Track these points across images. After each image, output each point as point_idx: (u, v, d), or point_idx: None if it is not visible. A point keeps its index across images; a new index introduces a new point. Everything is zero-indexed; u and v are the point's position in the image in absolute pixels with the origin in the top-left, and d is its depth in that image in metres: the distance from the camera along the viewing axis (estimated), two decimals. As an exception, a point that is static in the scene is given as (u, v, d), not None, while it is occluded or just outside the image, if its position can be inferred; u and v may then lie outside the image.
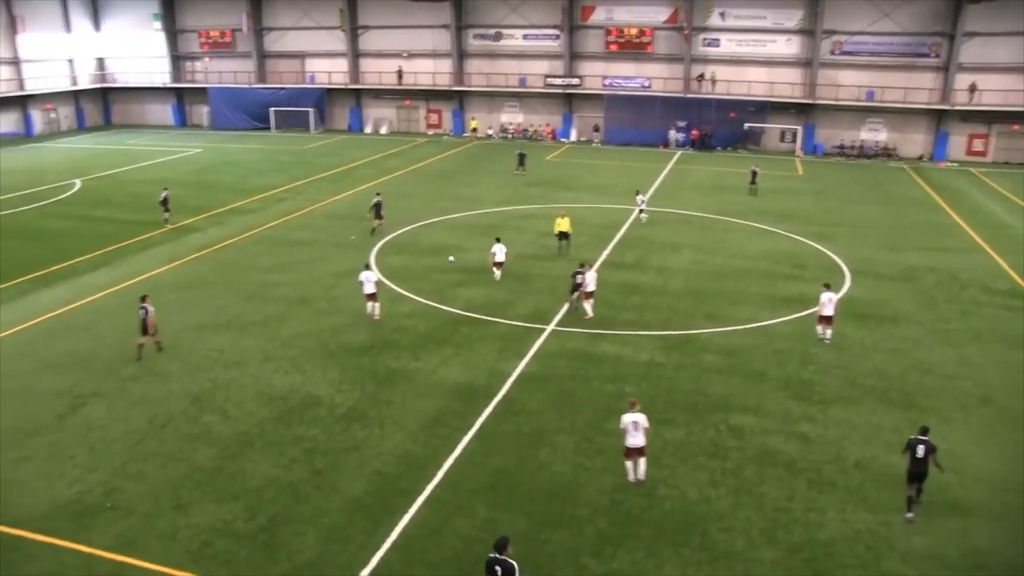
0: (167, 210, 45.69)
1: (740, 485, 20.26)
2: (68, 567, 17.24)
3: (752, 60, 74.49)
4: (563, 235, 38.55)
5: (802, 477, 20.70)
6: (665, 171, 62.34)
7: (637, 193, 48.06)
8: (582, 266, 32.35)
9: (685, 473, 20.74)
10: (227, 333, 29.86)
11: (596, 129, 78.55)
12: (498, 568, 14.30)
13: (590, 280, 31.08)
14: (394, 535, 18.16)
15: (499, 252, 35.48)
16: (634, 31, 76.54)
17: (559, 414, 23.76)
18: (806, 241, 42.35)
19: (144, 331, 27.48)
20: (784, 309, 32.31)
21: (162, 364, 27.15)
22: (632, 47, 77.10)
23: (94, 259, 38.80)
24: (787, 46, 73.45)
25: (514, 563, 14.36)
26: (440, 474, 20.60)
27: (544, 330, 30.02)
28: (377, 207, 42.97)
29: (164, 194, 46.03)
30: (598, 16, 77.50)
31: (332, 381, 25.90)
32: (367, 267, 33.52)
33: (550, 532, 18.32)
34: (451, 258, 37.51)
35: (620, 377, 26.04)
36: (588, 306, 31.00)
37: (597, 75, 78.38)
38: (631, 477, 20.24)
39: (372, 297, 31.07)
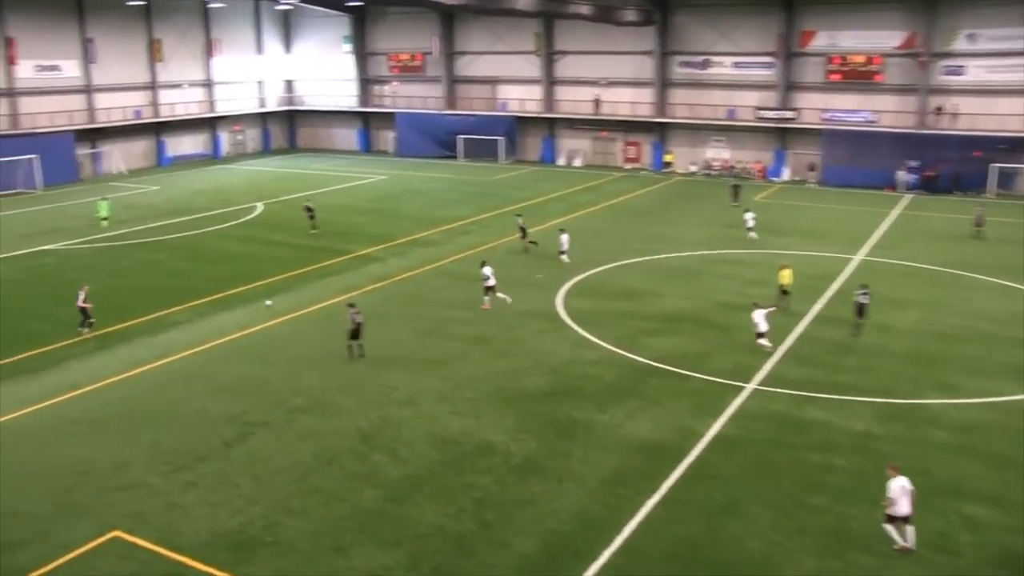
0: (312, 217, 52.37)
1: (966, 584, 18.99)
2: (227, 601, 18.02)
3: (1006, 89, 69.83)
4: (785, 290, 37.44)
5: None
6: (891, 217, 59.94)
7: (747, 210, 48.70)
8: (864, 287, 35.16)
9: (904, 567, 19.40)
10: (401, 369, 30.68)
11: (811, 168, 76.29)
12: None
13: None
14: (564, 601, 18.05)
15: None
16: (860, 59, 74.16)
17: (756, 483, 23.06)
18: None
19: (354, 336, 31.02)
20: (1027, 381, 30.38)
21: (332, 397, 28.16)
22: (857, 76, 74.73)
23: (272, 284, 40.77)
24: (1055, 72, 68.95)
25: None
26: (620, 539, 20.33)
27: (743, 388, 29.33)
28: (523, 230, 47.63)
29: (308, 205, 53.34)
30: (819, 42, 75.61)
31: (508, 428, 26.11)
32: (484, 264, 38.02)
33: (740, 614, 17.77)
34: (268, 302, 37.61)
35: (829, 447, 25.04)
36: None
37: (815, 108, 76.29)
38: (899, 544, 19.43)
39: (492, 289, 35.92)
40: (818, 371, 30.75)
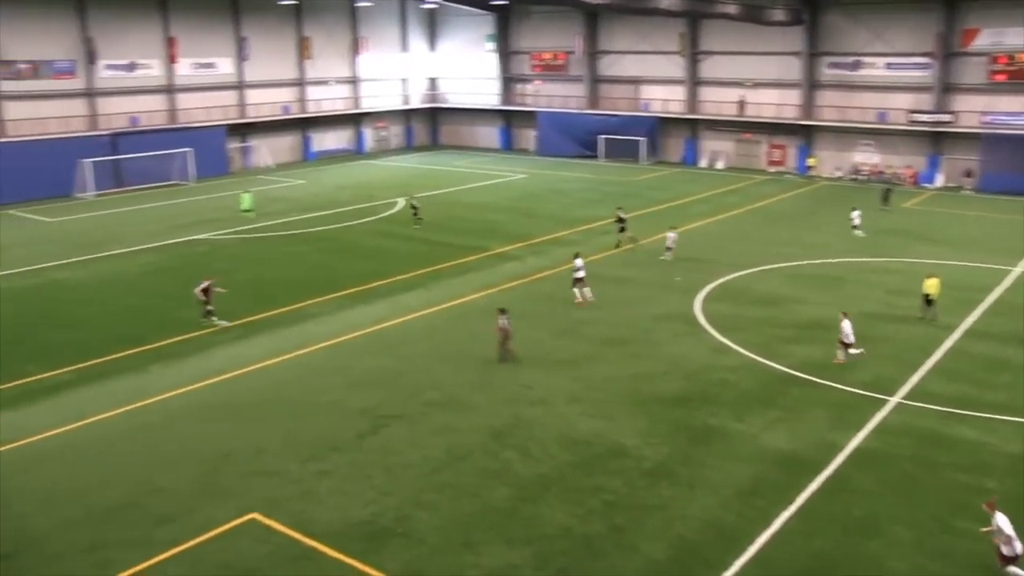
0: (416, 214, 53.37)
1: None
2: (357, 588, 18.41)
3: None
4: (929, 299, 36.14)
5: None
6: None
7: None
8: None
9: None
10: (535, 368, 30.79)
11: (968, 174, 73.25)
12: None
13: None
14: (694, 610, 17.82)
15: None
16: (1029, 57, 70.83)
17: (898, 501, 22.30)
18: None
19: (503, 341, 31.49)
20: None
21: (466, 393, 28.47)
22: (1024, 77, 71.53)
23: (410, 280, 41.48)
24: None
25: None
26: (752, 550, 19.97)
27: (887, 402, 28.42)
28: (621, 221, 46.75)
29: (413, 202, 54.86)
30: (982, 41, 72.25)
31: (640, 431, 25.92)
32: (578, 255, 38.64)
33: (876, 636, 17.22)
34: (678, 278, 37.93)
35: (980, 468, 23.99)
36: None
37: (974, 111, 73.18)
38: None
39: (581, 281, 36.35)
40: (969, 387, 29.56)
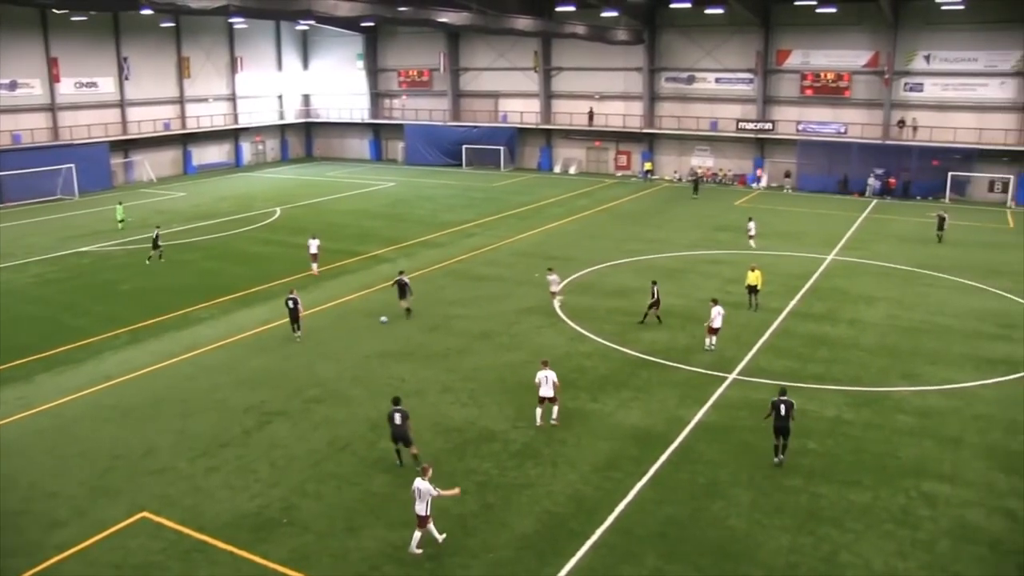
0: (156, 247, 46.44)
1: (933, 560, 18.85)
2: (245, 575, 17.97)
3: (959, 105, 70.40)
4: (753, 289, 37.27)
5: (1009, 560, 19.13)
6: (859, 220, 59.69)
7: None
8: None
9: (871, 540, 19.54)
10: (409, 362, 30.59)
11: (787, 175, 76.37)
12: None
13: (717, 315, 31.62)
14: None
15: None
16: (831, 75, 74.12)
17: (737, 466, 22.98)
18: (1017, 299, 39.50)
19: (401, 296, 34.91)
20: (988, 372, 30.22)
21: (345, 388, 28.10)
22: (828, 92, 74.75)
23: (290, 283, 40.64)
24: (1001, 90, 69.10)
25: None
26: (611, 519, 20.29)
27: (726, 379, 29.24)
28: (402, 287, 35.82)
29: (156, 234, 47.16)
30: (794, 60, 75.60)
31: (508, 417, 26.01)
32: (550, 270, 38.09)
33: (721, 589, 17.67)
34: (383, 319, 34.97)
35: (804, 432, 24.80)
36: (710, 340, 32.09)
37: (791, 120, 76.31)
38: None
39: (555, 295, 36.34)
40: (794, 362, 30.69)
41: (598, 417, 26.02)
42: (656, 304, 34.73)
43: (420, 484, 18.54)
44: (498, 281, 41.65)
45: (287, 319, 33.37)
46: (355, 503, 20.93)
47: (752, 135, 77.66)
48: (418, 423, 25.01)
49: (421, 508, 18.54)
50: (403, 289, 35.38)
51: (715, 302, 32.02)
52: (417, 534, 18.58)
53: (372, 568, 18.21)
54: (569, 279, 41.80)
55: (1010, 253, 49.87)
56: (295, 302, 32.85)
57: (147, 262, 46.09)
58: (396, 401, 23.00)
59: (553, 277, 37.86)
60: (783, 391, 23.45)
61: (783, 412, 22.84)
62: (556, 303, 37.15)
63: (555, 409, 25.28)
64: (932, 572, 18.41)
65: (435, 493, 18.48)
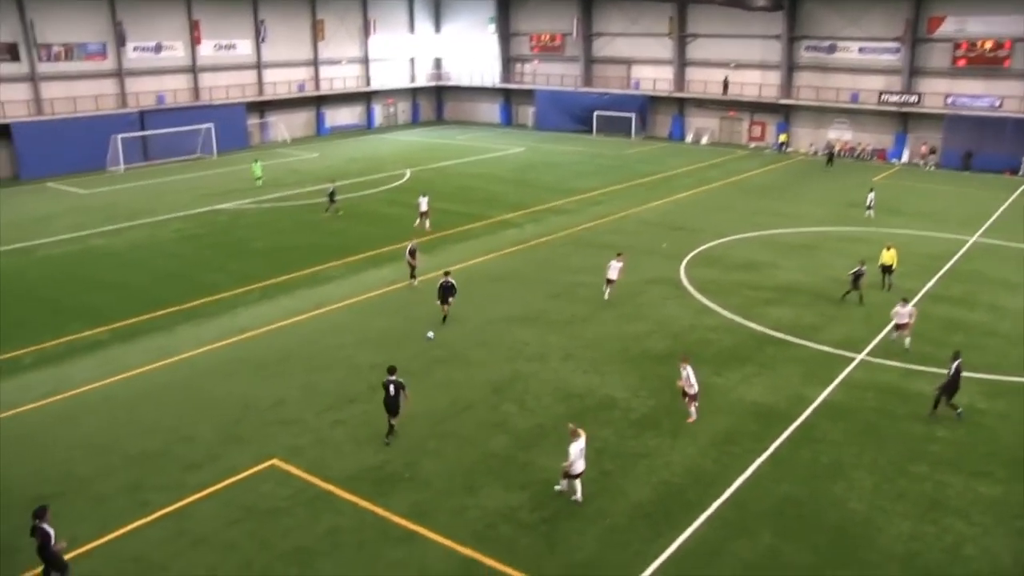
0: (333, 202, 49.66)
1: (1066, 553, 18.36)
2: (367, 525, 18.85)
3: None
4: (887, 268, 36.29)
5: None
6: (1009, 201, 57.24)
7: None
8: (862, 264, 34.28)
9: (1000, 535, 18.98)
10: (533, 327, 31.06)
11: (931, 151, 73.36)
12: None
13: (905, 314, 29.43)
14: (673, 547, 18.17)
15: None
16: (989, 44, 70.41)
17: (861, 449, 22.67)
18: None
19: (443, 300, 31.21)
20: None
21: (468, 350, 28.74)
22: (984, 62, 70.82)
23: (418, 245, 41.52)
24: None
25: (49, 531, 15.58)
26: (727, 493, 20.36)
27: (854, 359, 28.73)
28: (445, 290, 31.59)
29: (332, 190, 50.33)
30: (947, 28, 72.03)
31: (629, 386, 26.24)
32: (619, 255, 34.86)
33: (836, 572, 17.59)
34: (430, 334, 29.90)
35: (933, 419, 24.37)
36: (906, 339, 29.57)
37: (939, 92, 73.23)
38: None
39: (610, 283, 33.89)
40: (927, 346, 29.81)
41: (720, 391, 25.98)
42: (857, 280, 34.22)
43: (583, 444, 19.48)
44: (624, 250, 41.47)
45: (411, 280, 34.55)
46: (474, 463, 21.52)
47: (895, 108, 74.78)
48: (540, 388, 25.61)
49: (580, 466, 19.45)
50: (446, 292, 31.35)
51: (904, 302, 29.89)
52: (577, 483, 19.52)
53: (488, 527, 18.77)
54: (696, 251, 41.56)
55: None
56: (413, 254, 35.06)
57: (325, 213, 48.90)
58: (391, 371, 22.68)
59: (618, 264, 34.17)
60: (957, 354, 24.48)
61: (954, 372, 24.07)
62: (607, 292, 34.13)
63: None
64: (1065, 570, 17.90)
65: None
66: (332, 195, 49.59)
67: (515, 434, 23.04)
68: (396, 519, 19.02)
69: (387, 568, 17.36)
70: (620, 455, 22.01)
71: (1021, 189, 61.88)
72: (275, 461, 21.37)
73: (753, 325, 31.69)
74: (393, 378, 22.34)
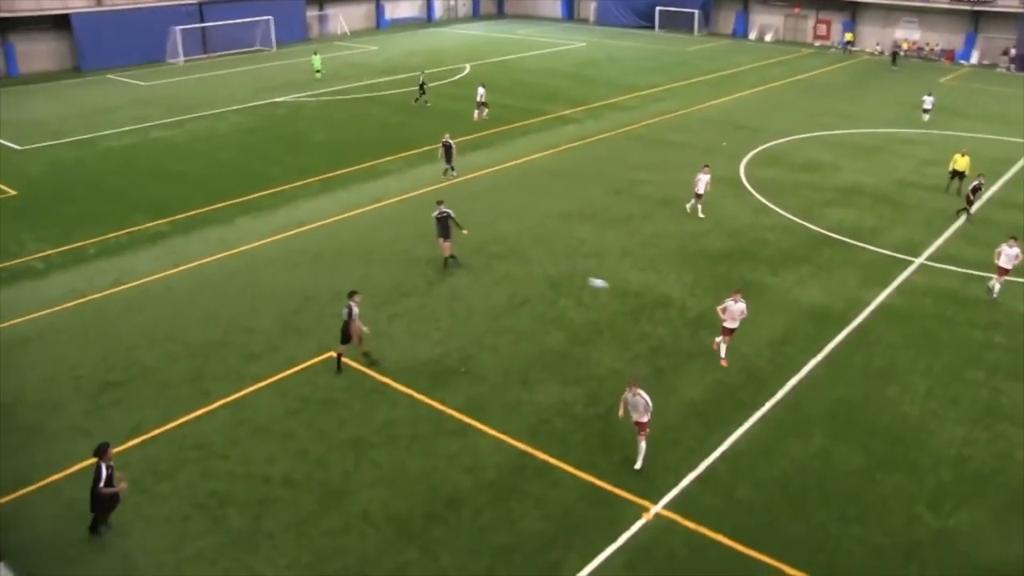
0: (423, 92, 49.94)
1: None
2: (422, 418, 19.09)
3: None
4: (958, 174, 35.21)
5: None
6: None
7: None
8: (981, 176, 32.11)
9: (1052, 437, 18.92)
10: (591, 224, 30.86)
11: (1005, 53, 70.24)
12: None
13: (1012, 255, 25.23)
14: (725, 446, 18.24)
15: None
16: (1069, -60, 66.77)
17: (916, 353, 22.39)
18: None
19: (443, 235, 26.89)
20: None
21: (526, 246, 28.66)
22: (1060, -41, 67.40)
23: (477, 140, 41.35)
24: None
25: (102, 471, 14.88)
26: (781, 394, 20.28)
27: (912, 263, 28.21)
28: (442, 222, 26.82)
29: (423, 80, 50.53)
30: (1025, -79, 68.48)
31: (686, 284, 26.08)
32: (706, 167, 32.33)
33: (887, 474, 17.52)
34: (598, 283, 24.71)
35: (991, 325, 23.95)
36: (996, 286, 25.93)
37: (1013, -10, 69.82)
38: None
39: (699, 197, 31.64)
40: (987, 252, 29.03)
41: (776, 291, 25.72)
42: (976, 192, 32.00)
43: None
44: (684, 148, 41.00)
45: (468, 176, 34.30)
46: (530, 358, 21.62)
47: (966, 7, 71.50)
48: (609, 284, 25.24)
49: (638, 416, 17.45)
50: (444, 225, 26.75)
51: (1014, 240, 25.54)
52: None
53: (542, 422, 18.94)
54: (757, 150, 40.78)
55: None
56: (448, 147, 35.24)
57: (414, 103, 49.27)
58: (350, 294, 21.06)
59: (705, 176, 31.83)
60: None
61: None
62: (695, 207, 32.01)
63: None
64: (1121, 478, 17.71)
65: None
66: (423, 85, 49.82)
67: (571, 330, 23.06)
68: (451, 412, 19.26)
69: (441, 460, 17.63)
70: (675, 353, 21.99)
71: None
72: (333, 353, 21.59)
73: (812, 226, 31.16)
74: (351, 302, 20.71)
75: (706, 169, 32.11)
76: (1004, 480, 17.47)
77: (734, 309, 21.17)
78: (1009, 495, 17.02)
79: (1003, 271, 25.61)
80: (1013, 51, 69.59)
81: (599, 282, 24.22)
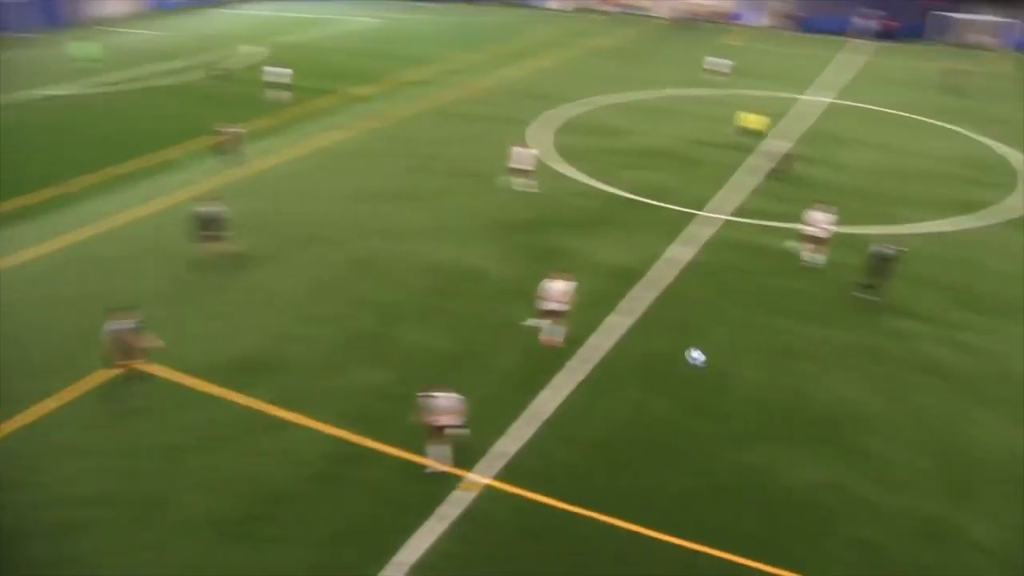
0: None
1: (895, 390, 19.78)
2: (235, 417, 18.30)
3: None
4: (750, 131, 37.09)
5: (962, 389, 20.07)
6: (850, 63, 58.90)
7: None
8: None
9: (838, 374, 20.38)
10: (393, 203, 30.55)
11: (781, 14, 74.42)
12: None
13: (824, 221, 25.62)
14: (544, 411, 18.52)
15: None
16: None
17: (718, 304, 23.51)
18: (1001, 145, 39.79)
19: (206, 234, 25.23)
20: (966, 216, 30.79)
21: (330, 231, 28.02)
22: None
23: (274, 125, 40.22)
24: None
25: None
26: (594, 355, 20.78)
27: (714, 218, 29.48)
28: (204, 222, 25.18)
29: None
30: None
31: (493, 256, 26.26)
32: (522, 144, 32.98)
33: (695, 420, 18.44)
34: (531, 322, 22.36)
35: (789, 274, 25.47)
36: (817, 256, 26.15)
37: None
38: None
39: (519, 172, 31.49)
40: (781, 204, 30.82)
41: (582, 255, 26.26)
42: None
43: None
44: (484, 121, 41.29)
45: (275, 161, 33.43)
46: (340, 343, 21.17)
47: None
48: (404, 263, 25.37)
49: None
50: (207, 224, 24.95)
51: (821, 205, 26.01)
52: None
53: (360, 406, 18.65)
54: (559, 117, 41.44)
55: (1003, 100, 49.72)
56: (235, 136, 34.27)
57: (206, 87, 47.55)
58: (110, 312, 18.63)
59: (525, 152, 32.01)
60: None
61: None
62: (508, 180, 31.82)
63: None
64: (893, 403, 19.34)
65: None
66: (216, 68, 48.61)
67: (380, 311, 22.77)
68: (265, 407, 18.61)
69: (260, 457, 17.07)
70: (487, 326, 22.13)
71: (859, 52, 63.69)
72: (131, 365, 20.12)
73: (612, 189, 32.05)
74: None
75: (523, 144, 32.50)
76: (800, 415, 18.78)
77: (552, 290, 21.18)
78: (804, 428, 18.30)
79: (817, 240, 25.71)
80: (793, 13, 73.73)
81: (698, 356, 19.81)
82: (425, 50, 60.44)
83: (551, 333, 21.25)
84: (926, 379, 20.37)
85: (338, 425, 18.03)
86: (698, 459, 17.22)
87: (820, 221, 25.61)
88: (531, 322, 21.76)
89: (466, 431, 16.71)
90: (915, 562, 14.93)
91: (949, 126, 43.02)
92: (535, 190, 31.47)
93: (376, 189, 31.88)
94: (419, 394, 16.51)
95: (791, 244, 26.78)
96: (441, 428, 16.44)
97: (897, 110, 45.71)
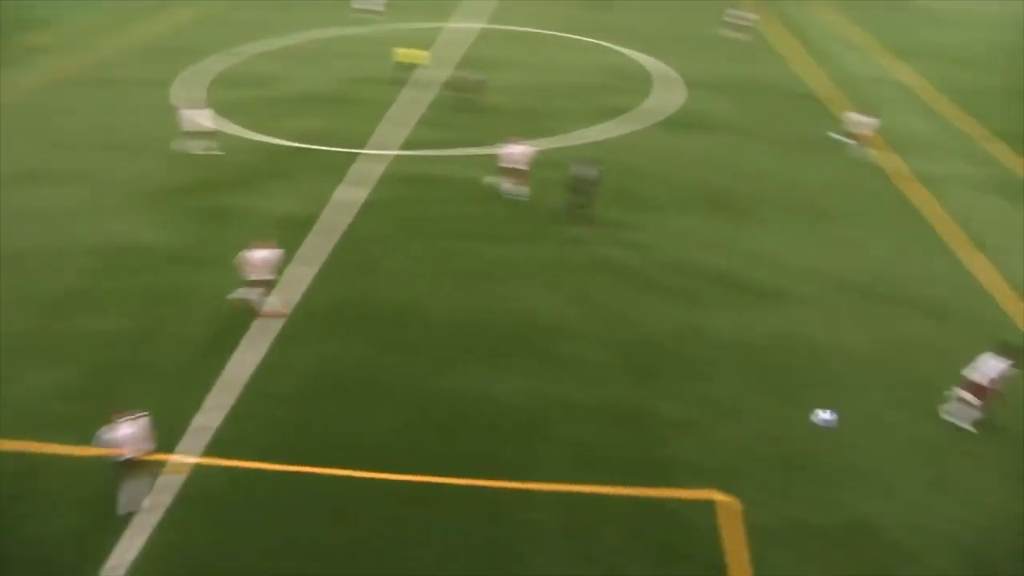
0: None
1: (577, 295, 21.21)
2: None
3: None
4: (410, 66, 37.46)
5: (632, 282, 21.89)
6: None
7: None
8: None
9: (524, 286, 21.56)
10: (39, 185, 27.67)
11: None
12: None
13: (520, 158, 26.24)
14: (240, 375, 18.02)
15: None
16: None
17: (398, 238, 23.87)
18: (639, 55, 43.11)
19: None
20: (615, 122, 33.04)
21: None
22: None
23: None
24: None
25: None
26: (285, 308, 20.36)
27: (379, 155, 29.59)
28: None
29: None
30: None
31: (158, 226, 24.66)
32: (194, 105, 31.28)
33: (394, 356, 18.71)
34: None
35: (462, 198, 26.38)
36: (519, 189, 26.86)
37: None
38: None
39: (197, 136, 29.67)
40: (448, 132, 31.53)
41: (253, 211, 25.46)
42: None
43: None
44: (130, 84, 38.09)
45: None
46: (1, 352, 18.78)
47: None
48: (62, 249, 23.29)
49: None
50: None
51: (516, 141, 26.59)
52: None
53: (40, 411, 16.98)
54: (213, 74, 39.42)
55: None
56: None
57: None
58: None
59: (198, 112, 30.43)
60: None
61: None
62: (182, 144, 29.86)
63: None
64: (580, 307, 20.77)
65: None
66: None
67: (43, 306, 20.68)
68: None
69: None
70: (168, 298, 20.93)
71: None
72: None
73: (274, 139, 31.24)
74: None
75: (194, 105, 30.94)
76: (495, 331, 19.70)
77: (254, 259, 20.09)
78: (501, 344, 19.26)
79: (518, 173, 25.97)
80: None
81: (829, 417, 17.28)
82: (37, 13, 54.38)
83: (270, 305, 20.27)
84: (602, 279, 22.02)
85: (22, 437, 16.21)
86: (403, 394, 17.50)
87: (517, 154, 26.07)
88: (239, 293, 20.41)
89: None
90: (621, 448, 16.17)
91: (595, 40, 45.80)
92: (217, 151, 29.79)
93: (10, 171, 28.41)
94: (97, 433, 14.62)
95: (491, 179, 27.20)
96: (129, 463, 14.24)
97: (546, 30, 47.92)
